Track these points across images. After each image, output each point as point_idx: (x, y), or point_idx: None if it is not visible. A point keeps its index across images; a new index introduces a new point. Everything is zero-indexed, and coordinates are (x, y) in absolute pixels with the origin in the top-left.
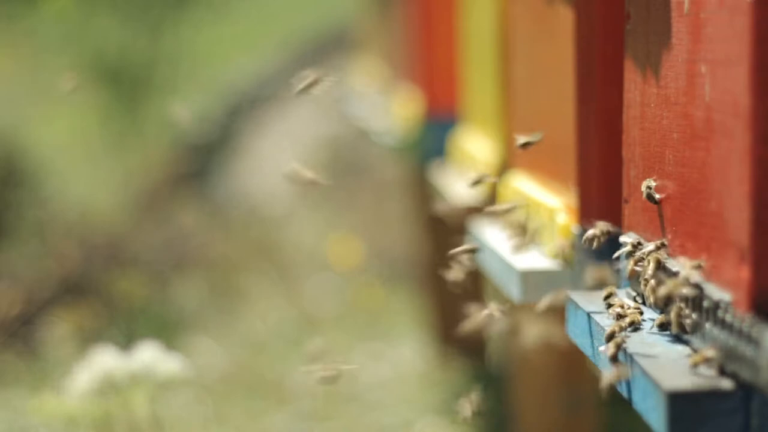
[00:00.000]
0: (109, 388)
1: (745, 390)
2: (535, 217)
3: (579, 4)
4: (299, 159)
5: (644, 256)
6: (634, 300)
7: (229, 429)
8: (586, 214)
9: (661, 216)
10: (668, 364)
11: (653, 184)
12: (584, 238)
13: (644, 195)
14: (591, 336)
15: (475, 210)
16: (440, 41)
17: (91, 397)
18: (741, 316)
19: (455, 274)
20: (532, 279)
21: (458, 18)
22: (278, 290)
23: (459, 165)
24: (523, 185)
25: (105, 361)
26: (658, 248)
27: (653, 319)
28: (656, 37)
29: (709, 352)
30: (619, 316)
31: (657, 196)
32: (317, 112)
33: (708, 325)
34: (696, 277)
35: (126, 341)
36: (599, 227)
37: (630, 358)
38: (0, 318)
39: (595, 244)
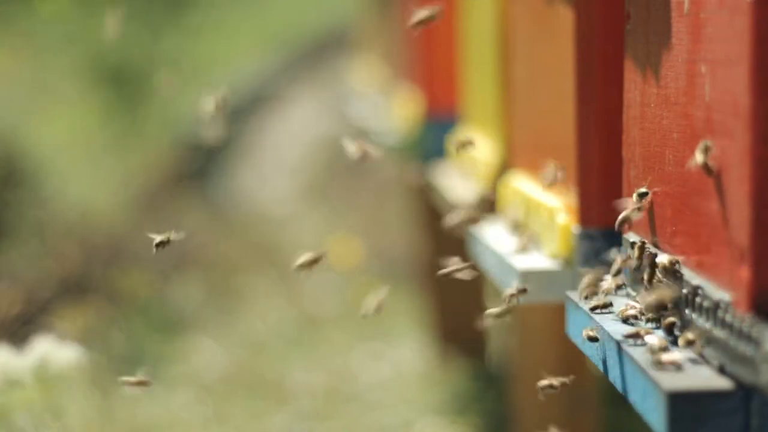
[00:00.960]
0: (7, 383)
1: (745, 390)
2: (535, 217)
3: (579, 4)
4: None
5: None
6: (634, 300)
7: (229, 429)
8: (586, 214)
9: (651, 217)
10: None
11: (644, 190)
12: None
13: (633, 198)
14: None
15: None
16: (440, 41)
17: None
18: (741, 316)
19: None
20: (532, 279)
21: (458, 18)
22: (278, 290)
23: (459, 165)
24: (523, 185)
25: (1, 356)
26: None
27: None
28: (656, 37)
29: (690, 335)
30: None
31: (646, 191)
32: (317, 112)
33: (708, 325)
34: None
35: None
36: None
37: (630, 358)
38: (0, 318)
39: None
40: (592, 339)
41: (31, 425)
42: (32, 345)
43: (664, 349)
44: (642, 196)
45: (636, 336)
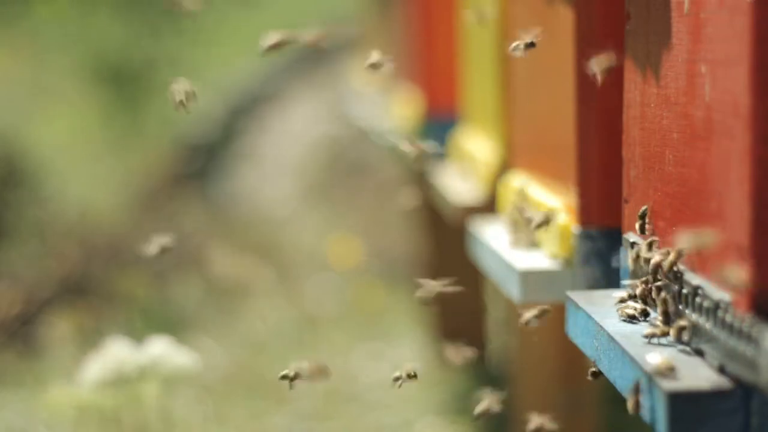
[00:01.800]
0: (120, 379)
1: (745, 390)
2: (534, 216)
3: (579, 4)
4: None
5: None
6: (634, 300)
7: (229, 429)
8: (586, 214)
9: (651, 217)
10: None
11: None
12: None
13: (638, 229)
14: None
15: (476, 211)
16: (440, 41)
17: (101, 388)
18: (741, 316)
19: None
20: (532, 279)
21: (458, 18)
22: (278, 290)
23: (459, 165)
24: (523, 185)
25: (117, 352)
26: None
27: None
28: (656, 37)
29: (682, 321)
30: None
31: (645, 224)
32: (317, 112)
33: (708, 325)
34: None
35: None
36: None
37: (630, 359)
38: (0, 318)
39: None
40: (596, 375)
41: (138, 423)
42: (148, 345)
43: (671, 369)
44: (643, 217)
45: (653, 336)
